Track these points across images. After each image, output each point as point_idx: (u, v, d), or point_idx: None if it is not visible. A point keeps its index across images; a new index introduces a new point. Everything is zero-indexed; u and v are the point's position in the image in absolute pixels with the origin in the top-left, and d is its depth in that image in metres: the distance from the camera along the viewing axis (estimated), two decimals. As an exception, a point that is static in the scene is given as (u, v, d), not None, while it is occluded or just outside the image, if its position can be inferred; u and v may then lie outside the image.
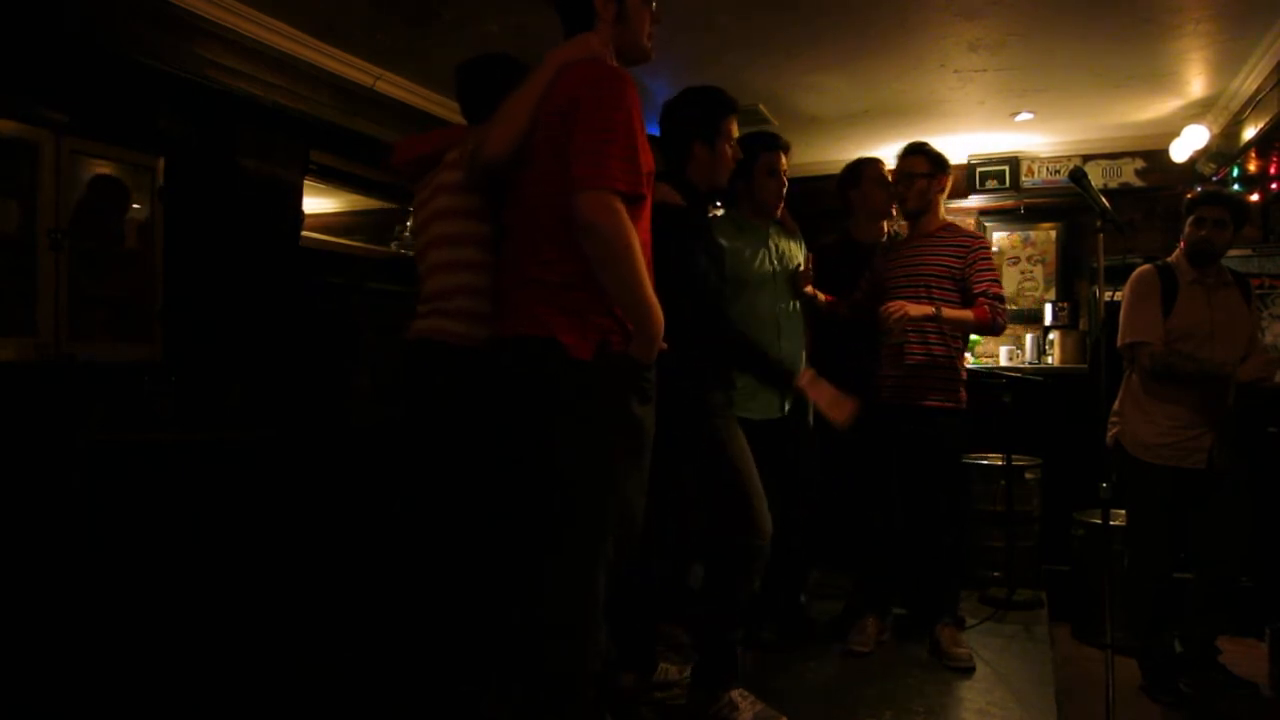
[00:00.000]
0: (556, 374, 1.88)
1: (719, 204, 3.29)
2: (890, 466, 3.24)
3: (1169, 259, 3.13)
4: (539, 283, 1.93)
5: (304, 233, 3.93)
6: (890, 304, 2.93)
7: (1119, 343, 3.10)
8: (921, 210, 3.19)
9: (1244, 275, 3.17)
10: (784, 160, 3.06)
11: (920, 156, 3.18)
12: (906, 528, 3.25)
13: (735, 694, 2.48)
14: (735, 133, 2.59)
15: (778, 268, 3.08)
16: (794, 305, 3.14)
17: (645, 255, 1.89)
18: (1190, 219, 3.03)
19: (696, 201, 2.54)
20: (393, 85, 4.20)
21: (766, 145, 3.04)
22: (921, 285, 3.09)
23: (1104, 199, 2.68)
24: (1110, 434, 3.17)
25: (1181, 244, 3.10)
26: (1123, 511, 3.23)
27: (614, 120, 1.81)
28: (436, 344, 2.25)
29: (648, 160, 1.89)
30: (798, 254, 3.21)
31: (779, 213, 3.13)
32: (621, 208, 1.78)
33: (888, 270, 3.21)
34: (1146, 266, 3.13)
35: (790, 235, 3.22)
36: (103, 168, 3.21)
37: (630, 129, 1.82)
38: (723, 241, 3.01)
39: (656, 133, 2.54)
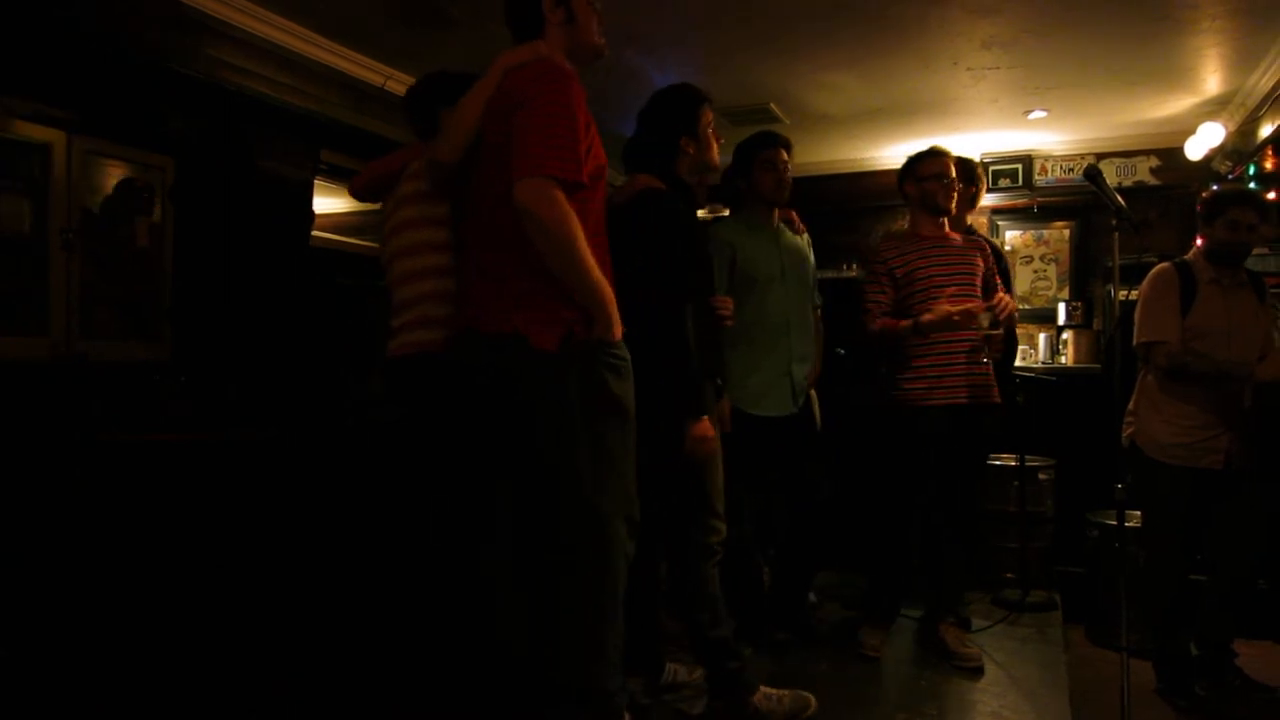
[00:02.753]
0: (525, 367, 1.88)
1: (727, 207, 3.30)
2: (925, 469, 3.12)
3: (1186, 257, 3.09)
4: (497, 279, 1.94)
5: (314, 232, 3.94)
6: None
7: (1135, 340, 3.07)
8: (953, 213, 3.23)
9: (1259, 275, 3.13)
10: (784, 155, 3.09)
11: (952, 160, 3.21)
12: (922, 530, 3.21)
13: (758, 698, 2.45)
14: (711, 119, 2.59)
15: (787, 265, 3.10)
16: (804, 304, 3.15)
17: (598, 245, 1.90)
18: (1220, 220, 2.97)
19: (688, 197, 2.54)
20: (404, 85, 4.18)
21: (764, 143, 3.10)
22: (971, 285, 3.11)
23: (1119, 197, 2.65)
24: (1125, 434, 3.14)
25: (1201, 242, 3.06)
26: (1138, 512, 3.20)
27: (554, 113, 1.83)
28: (414, 359, 2.28)
29: (598, 154, 1.91)
30: (808, 253, 3.23)
31: (782, 207, 3.14)
32: (560, 195, 1.79)
33: (920, 269, 3.11)
34: (1165, 265, 3.09)
35: (798, 234, 3.24)
36: (114, 168, 3.22)
37: (571, 121, 1.84)
38: (732, 242, 3.03)
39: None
